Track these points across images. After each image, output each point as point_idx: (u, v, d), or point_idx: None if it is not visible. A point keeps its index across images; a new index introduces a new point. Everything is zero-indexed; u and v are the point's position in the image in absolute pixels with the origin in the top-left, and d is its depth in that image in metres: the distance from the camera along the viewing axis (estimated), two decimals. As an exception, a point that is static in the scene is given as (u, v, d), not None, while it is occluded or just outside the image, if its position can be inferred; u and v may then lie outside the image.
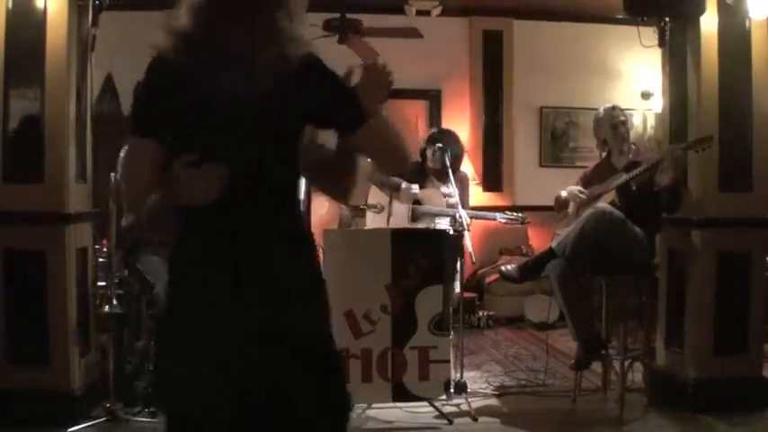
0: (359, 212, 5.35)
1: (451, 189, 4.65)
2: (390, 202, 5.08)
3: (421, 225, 4.99)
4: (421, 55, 6.82)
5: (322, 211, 5.09)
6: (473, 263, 4.55)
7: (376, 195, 5.28)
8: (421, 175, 5.22)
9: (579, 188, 4.38)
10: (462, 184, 4.90)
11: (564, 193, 4.44)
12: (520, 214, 4.91)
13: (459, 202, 4.47)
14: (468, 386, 4.28)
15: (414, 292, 3.89)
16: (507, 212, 4.97)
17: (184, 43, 1.73)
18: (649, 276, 4.30)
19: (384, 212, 5.11)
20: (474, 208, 5.57)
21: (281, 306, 1.76)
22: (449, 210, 4.90)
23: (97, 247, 4.31)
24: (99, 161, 4.27)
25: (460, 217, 4.33)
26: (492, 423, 4.00)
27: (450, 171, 4.66)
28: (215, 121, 1.74)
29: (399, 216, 5.08)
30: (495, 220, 4.97)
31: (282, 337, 1.75)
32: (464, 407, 4.11)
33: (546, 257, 4.15)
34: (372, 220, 5.22)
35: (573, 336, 4.23)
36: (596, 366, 4.39)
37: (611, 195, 4.20)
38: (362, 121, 1.81)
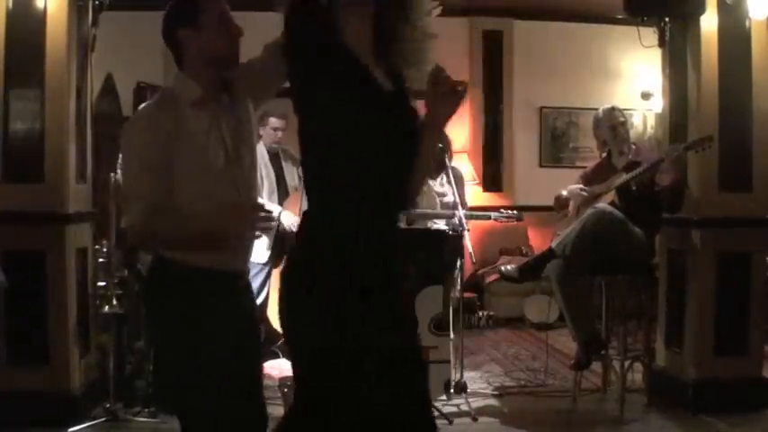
0: None
1: (446, 188, 4.60)
2: None
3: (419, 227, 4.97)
4: (421, 55, 6.81)
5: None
6: (473, 263, 4.53)
7: None
8: None
9: (581, 186, 4.38)
10: (457, 181, 4.89)
11: (564, 192, 4.44)
12: (514, 211, 4.86)
13: (458, 201, 4.45)
14: (468, 386, 4.28)
15: (413, 292, 3.89)
16: (501, 210, 4.93)
17: None
18: (649, 276, 4.30)
19: None
20: (474, 208, 5.56)
21: None
22: (444, 211, 4.89)
23: (97, 247, 4.30)
24: (99, 161, 4.27)
25: (459, 218, 4.31)
26: (492, 423, 4.00)
27: (449, 171, 4.65)
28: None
29: None
30: (489, 219, 4.91)
31: None
32: (464, 407, 4.11)
33: (546, 257, 4.15)
34: None
35: (573, 336, 4.23)
36: (596, 366, 4.39)
37: (611, 195, 4.20)
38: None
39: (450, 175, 4.63)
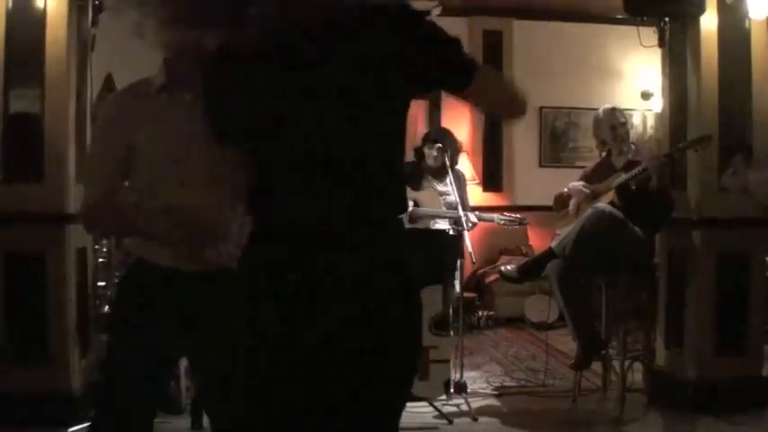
0: None
1: (449, 187, 4.61)
2: None
3: (419, 227, 4.98)
4: (421, 55, 6.83)
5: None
6: (473, 263, 4.54)
7: None
8: (417, 174, 5.21)
9: (583, 183, 4.37)
10: (460, 182, 4.89)
11: (565, 190, 4.43)
12: (518, 215, 4.87)
13: (458, 200, 4.45)
14: (468, 386, 4.28)
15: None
16: (506, 213, 4.93)
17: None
18: (649, 276, 4.30)
19: None
20: (473, 208, 5.56)
21: None
22: (447, 211, 4.89)
23: (97, 247, 4.30)
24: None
25: (465, 215, 4.31)
26: (492, 423, 4.00)
27: (450, 170, 4.66)
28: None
29: None
30: (492, 221, 4.91)
31: None
32: (464, 407, 4.11)
33: (546, 258, 4.15)
34: None
35: (573, 336, 4.23)
36: (596, 366, 4.39)
37: (611, 195, 4.20)
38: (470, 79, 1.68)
39: (451, 176, 4.64)
